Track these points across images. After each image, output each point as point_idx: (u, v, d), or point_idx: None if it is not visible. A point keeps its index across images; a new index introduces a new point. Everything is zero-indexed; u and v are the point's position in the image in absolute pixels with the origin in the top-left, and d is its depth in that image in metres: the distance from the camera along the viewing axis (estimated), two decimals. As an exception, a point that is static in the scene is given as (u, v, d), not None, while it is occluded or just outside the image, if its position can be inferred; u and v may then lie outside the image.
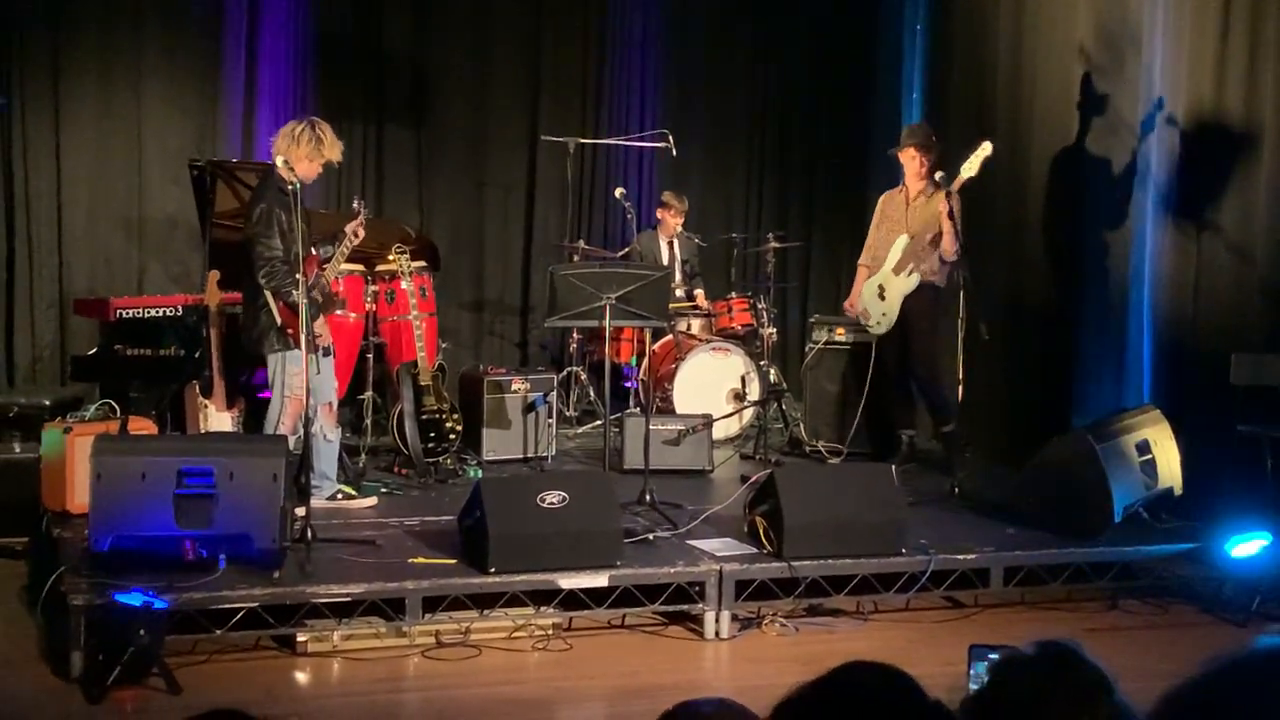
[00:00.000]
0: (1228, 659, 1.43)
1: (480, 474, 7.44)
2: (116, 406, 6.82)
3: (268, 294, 6.35)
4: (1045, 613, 6.21)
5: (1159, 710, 1.62)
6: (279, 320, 6.36)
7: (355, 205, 6.82)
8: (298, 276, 6.06)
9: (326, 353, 6.53)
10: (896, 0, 10.43)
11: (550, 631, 5.69)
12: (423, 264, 8.14)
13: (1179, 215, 7.57)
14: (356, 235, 6.64)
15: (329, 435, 6.67)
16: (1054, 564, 6.28)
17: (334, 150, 6.50)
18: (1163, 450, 6.78)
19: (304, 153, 6.37)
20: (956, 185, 7.36)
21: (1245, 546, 6.24)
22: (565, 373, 9.28)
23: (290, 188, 6.21)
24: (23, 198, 9.08)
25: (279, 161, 6.28)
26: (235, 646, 5.35)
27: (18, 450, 6.91)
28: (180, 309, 7.94)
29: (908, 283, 7.82)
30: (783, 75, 11.16)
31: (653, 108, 10.79)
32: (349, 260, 6.98)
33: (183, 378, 7.47)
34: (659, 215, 9.70)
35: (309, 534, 5.73)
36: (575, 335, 9.30)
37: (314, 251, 6.66)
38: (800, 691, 1.80)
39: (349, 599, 5.41)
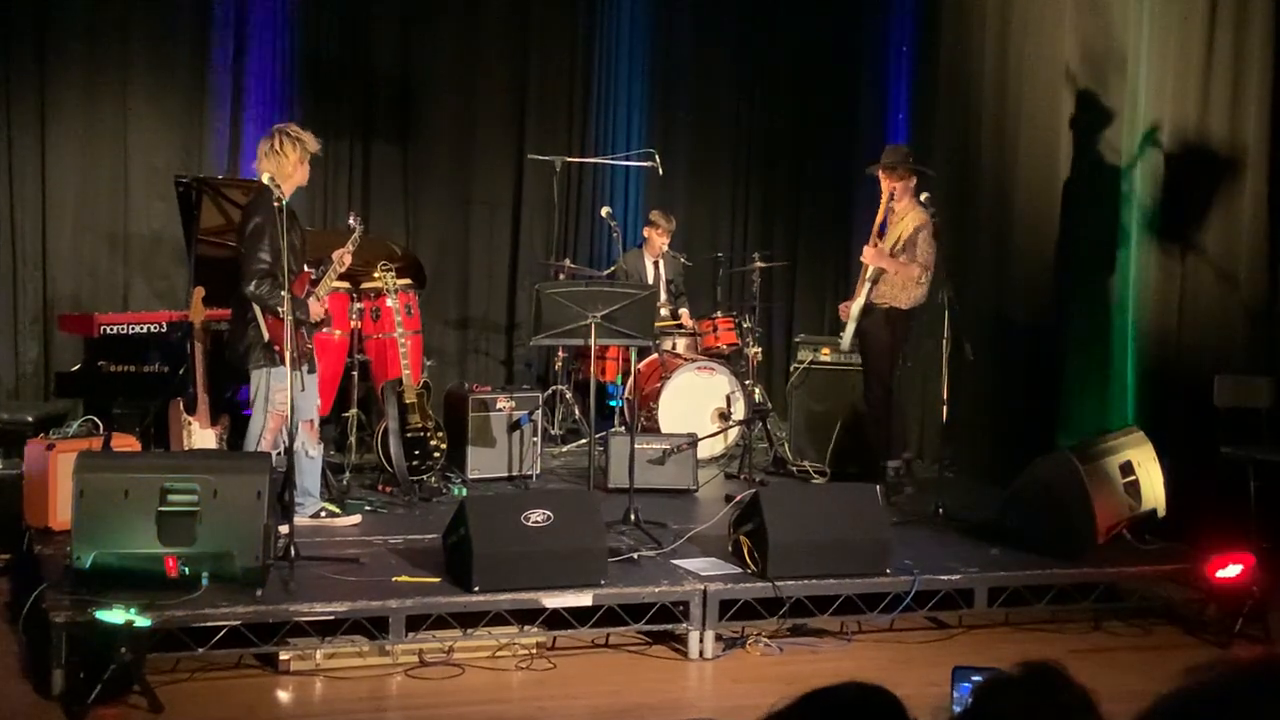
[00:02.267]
0: (1201, 680, 1.42)
1: (465, 492, 7.43)
2: (100, 423, 6.80)
3: (256, 309, 6.34)
4: (1029, 633, 6.22)
5: None
6: (266, 336, 6.35)
7: (351, 223, 6.81)
8: (283, 294, 6.04)
9: (310, 370, 6.52)
10: (882, 21, 10.49)
11: (534, 651, 5.67)
12: (408, 281, 8.13)
13: (1163, 237, 7.62)
14: (343, 263, 6.65)
15: (310, 452, 6.65)
16: (1038, 585, 6.28)
17: (312, 143, 6.51)
18: (1146, 471, 6.79)
19: (292, 159, 6.37)
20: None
21: (1228, 568, 6.25)
22: (550, 391, 9.26)
23: (277, 204, 6.20)
24: (7, 212, 9.03)
25: (266, 179, 6.27)
26: (217, 665, 5.32)
27: (0, 466, 6.88)
28: (165, 325, 7.91)
29: (861, 301, 7.77)
30: (769, 95, 11.18)
31: (639, 127, 10.80)
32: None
33: (167, 394, 7.44)
34: (645, 234, 9.69)
35: (292, 552, 5.72)
36: (561, 353, 9.28)
37: (306, 270, 6.65)
38: (780, 711, 1.80)
39: (332, 617, 5.39)
